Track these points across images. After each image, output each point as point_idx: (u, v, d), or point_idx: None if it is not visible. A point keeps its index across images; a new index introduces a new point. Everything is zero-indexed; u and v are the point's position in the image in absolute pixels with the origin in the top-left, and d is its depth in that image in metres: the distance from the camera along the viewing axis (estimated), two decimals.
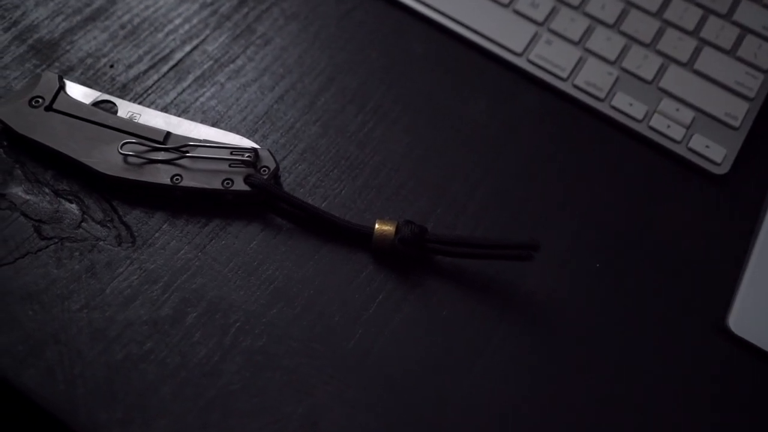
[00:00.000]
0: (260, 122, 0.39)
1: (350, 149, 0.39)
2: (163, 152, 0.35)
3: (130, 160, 0.35)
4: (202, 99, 0.39)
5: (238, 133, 0.38)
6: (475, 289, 0.36)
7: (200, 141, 0.35)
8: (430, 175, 0.38)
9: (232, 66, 0.40)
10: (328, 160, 0.38)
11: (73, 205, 0.35)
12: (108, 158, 0.35)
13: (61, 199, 0.35)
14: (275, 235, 0.36)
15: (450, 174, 0.39)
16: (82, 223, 0.35)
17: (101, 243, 0.34)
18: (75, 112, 0.36)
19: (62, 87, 0.37)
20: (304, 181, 0.37)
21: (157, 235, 0.35)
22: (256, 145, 0.36)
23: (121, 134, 0.35)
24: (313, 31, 0.42)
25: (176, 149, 0.35)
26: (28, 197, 0.35)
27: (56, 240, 0.34)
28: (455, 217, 0.37)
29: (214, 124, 0.38)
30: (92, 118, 0.36)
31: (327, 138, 0.39)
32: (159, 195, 0.35)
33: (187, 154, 0.35)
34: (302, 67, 0.41)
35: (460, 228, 0.37)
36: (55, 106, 0.36)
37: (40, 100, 0.36)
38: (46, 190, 0.35)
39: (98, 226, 0.35)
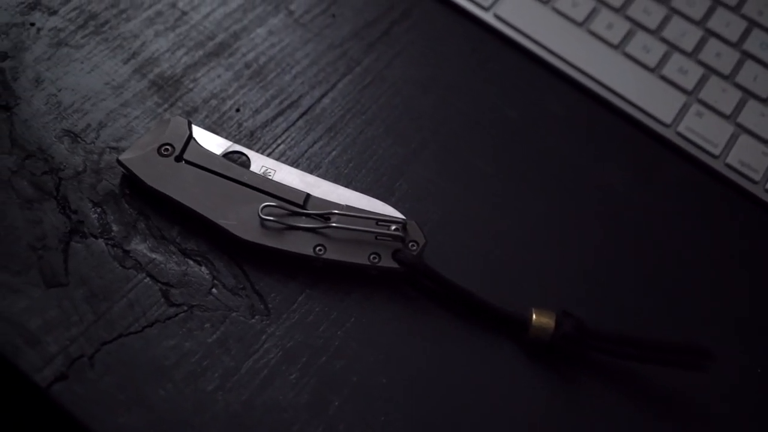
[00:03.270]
0: (396, 182, 0.36)
1: (486, 214, 0.36)
2: (304, 218, 0.32)
3: (269, 224, 0.32)
4: (334, 153, 0.36)
5: (374, 194, 0.35)
6: (635, 393, 0.33)
7: (343, 207, 0.33)
8: (569, 252, 0.36)
9: (363, 117, 0.38)
10: (466, 228, 0.35)
11: (203, 268, 0.32)
12: (245, 220, 0.32)
13: (189, 261, 0.32)
14: (416, 313, 0.33)
15: (591, 251, 0.36)
16: (213, 290, 0.32)
17: (234, 314, 0.31)
18: (207, 165, 0.33)
19: (191, 134, 0.34)
20: (440, 250, 0.35)
21: (293, 307, 0.32)
22: (401, 215, 0.33)
23: (259, 194, 0.33)
24: (446, 81, 0.39)
25: (320, 216, 0.32)
26: (153, 256, 0.32)
27: (186, 308, 0.31)
28: (602, 304, 0.34)
29: (348, 183, 0.35)
30: (226, 173, 0.33)
31: (463, 202, 0.36)
32: (296, 263, 0.33)
33: (332, 224, 0.32)
34: (435, 122, 0.38)
35: (607, 317, 0.34)
36: (185, 156, 0.33)
37: (170, 148, 0.33)
38: (173, 249, 0.32)
39: (229, 293, 0.32)
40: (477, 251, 0.35)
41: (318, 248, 0.32)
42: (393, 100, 0.39)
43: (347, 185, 0.35)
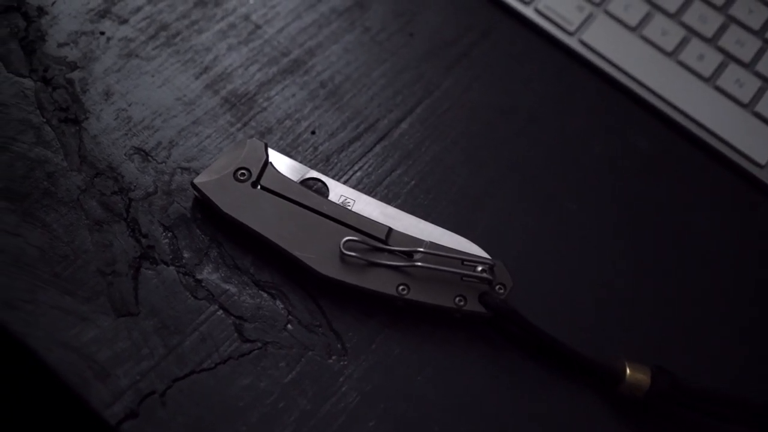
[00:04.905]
0: (476, 216, 0.34)
1: (571, 254, 0.34)
2: (386, 254, 0.31)
3: (351, 260, 0.30)
4: (412, 183, 0.34)
5: (453, 227, 0.33)
6: None
7: (427, 244, 0.31)
8: (656, 298, 0.34)
9: (442, 144, 0.36)
10: (549, 268, 0.33)
11: (278, 302, 0.31)
12: (324, 254, 0.30)
13: (263, 293, 0.31)
14: (498, 359, 0.31)
15: (680, 301, 0.34)
16: (288, 326, 0.30)
17: (310, 353, 0.30)
18: (285, 192, 0.31)
19: (268, 158, 0.32)
20: (521, 291, 0.33)
21: (371, 348, 0.30)
22: (487, 255, 0.31)
23: (339, 226, 0.31)
24: (527, 109, 0.38)
25: (404, 253, 0.31)
26: (227, 287, 0.31)
27: (260, 344, 0.30)
28: (694, 357, 0.32)
29: (427, 215, 0.33)
30: (304, 202, 0.31)
31: (546, 240, 0.34)
32: (374, 301, 0.31)
33: (416, 262, 0.30)
34: (515, 152, 0.36)
35: (700, 372, 0.32)
36: (262, 181, 0.31)
37: (246, 173, 0.31)
38: (246, 280, 0.31)
39: (305, 330, 0.30)
40: (560, 294, 0.33)
41: (401, 288, 0.30)
42: (472, 127, 0.37)
43: (426, 217, 0.33)
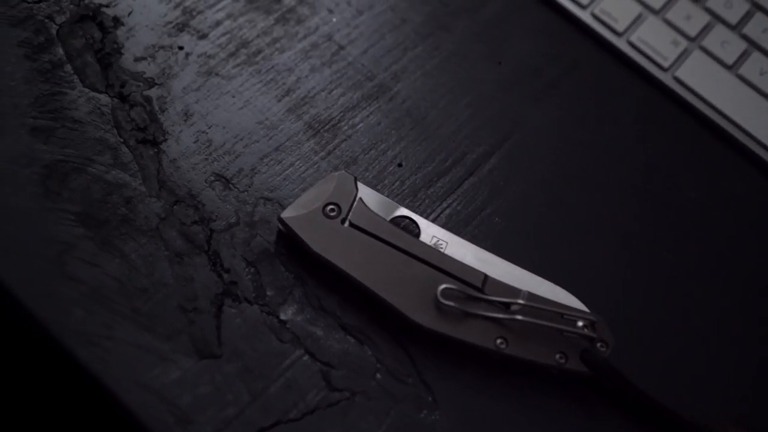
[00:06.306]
0: (568, 262, 0.33)
1: (667, 307, 0.32)
2: (484, 303, 0.29)
3: (448, 309, 0.29)
4: (502, 224, 0.33)
5: (545, 273, 0.31)
6: None
7: (525, 294, 0.29)
8: (760, 356, 0.32)
9: (531, 182, 0.34)
10: (645, 322, 0.32)
11: (366, 348, 0.29)
12: (418, 300, 0.29)
13: (350, 338, 0.29)
14: (595, 420, 0.29)
15: None
16: (377, 375, 0.29)
17: (399, 405, 0.28)
18: (375, 231, 0.30)
19: (357, 193, 0.31)
20: (619, 348, 0.31)
21: (463, 402, 0.29)
22: (585, 308, 0.30)
23: (433, 271, 0.29)
24: (617, 145, 0.36)
25: (503, 305, 0.29)
26: (312, 329, 0.29)
27: (348, 394, 0.28)
28: None
29: (516, 258, 0.31)
30: (396, 243, 0.29)
31: (641, 291, 0.32)
32: (466, 351, 0.29)
33: (516, 315, 0.29)
34: (606, 194, 0.34)
35: None
36: (351, 218, 0.30)
37: (336, 208, 0.30)
38: (332, 323, 0.29)
39: (394, 380, 0.29)
40: (658, 350, 0.31)
41: (500, 341, 0.28)
42: (560, 165, 0.35)
43: (516, 260, 0.31)
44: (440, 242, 0.30)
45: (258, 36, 0.35)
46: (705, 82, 0.37)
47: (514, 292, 0.29)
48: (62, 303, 0.28)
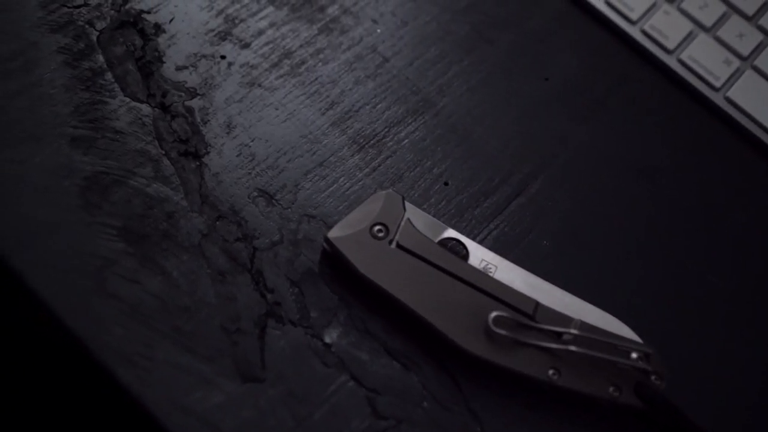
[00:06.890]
0: (615, 289, 0.32)
1: (724, 340, 0.31)
2: (535, 332, 0.28)
3: (498, 336, 0.28)
4: (550, 248, 0.32)
5: (593, 300, 0.30)
6: None
7: (577, 323, 0.28)
8: None
9: (578, 205, 0.33)
10: (699, 354, 0.31)
11: (412, 374, 0.28)
12: (468, 327, 0.28)
13: (396, 363, 0.28)
14: None
15: None
16: (423, 402, 0.28)
17: None
18: (423, 253, 0.29)
19: (405, 213, 0.30)
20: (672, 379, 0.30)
21: (513, 431, 0.28)
22: (638, 339, 0.29)
23: (482, 296, 0.28)
24: (666, 169, 0.35)
25: (555, 334, 0.28)
26: (357, 354, 0.28)
27: (394, 422, 0.27)
28: None
29: (566, 284, 0.30)
30: (445, 266, 0.29)
31: (696, 322, 0.31)
32: (514, 379, 0.28)
33: (570, 346, 0.28)
34: (655, 220, 0.33)
35: None
36: (399, 239, 0.29)
37: (383, 229, 0.29)
38: (378, 347, 0.28)
39: (440, 408, 0.28)
40: (715, 383, 0.30)
41: (552, 372, 0.27)
42: (609, 187, 0.34)
43: (563, 285, 0.30)
44: (489, 266, 0.29)
45: (301, 46, 0.34)
46: (757, 103, 0.36)
47: (566, 320, 0.28)
48: (102, 321, 0.27)
